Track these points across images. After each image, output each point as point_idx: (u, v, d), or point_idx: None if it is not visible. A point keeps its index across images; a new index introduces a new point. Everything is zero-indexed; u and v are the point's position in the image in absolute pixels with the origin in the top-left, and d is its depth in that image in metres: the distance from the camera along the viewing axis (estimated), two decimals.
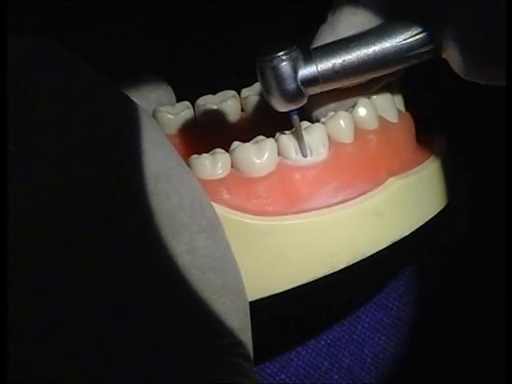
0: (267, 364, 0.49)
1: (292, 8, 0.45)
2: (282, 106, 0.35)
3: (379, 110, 0.37)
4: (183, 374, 0.28)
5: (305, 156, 0.35)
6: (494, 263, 0.40)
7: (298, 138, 0.35)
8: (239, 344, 0.31)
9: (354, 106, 0.37)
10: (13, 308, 0.27)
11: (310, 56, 0.34)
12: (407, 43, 0.34)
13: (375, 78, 0.36)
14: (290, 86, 0.34)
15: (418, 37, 0.34)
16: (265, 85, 0.34)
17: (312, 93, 0.35)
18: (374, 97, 0.38)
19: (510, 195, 0.30)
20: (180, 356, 0.28)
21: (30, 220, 0.28)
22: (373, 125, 0.37)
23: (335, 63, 0.34)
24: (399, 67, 0.35)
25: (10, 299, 0.27)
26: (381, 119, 0.37)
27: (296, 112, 0.35)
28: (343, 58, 0.34)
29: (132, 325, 0.28)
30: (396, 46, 0.34)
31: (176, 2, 0.46)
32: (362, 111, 0.36)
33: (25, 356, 0.27)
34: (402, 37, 0.34)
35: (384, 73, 0.35)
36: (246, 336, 0.31)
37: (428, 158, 0.39)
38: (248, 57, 0.34)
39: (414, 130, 0.40)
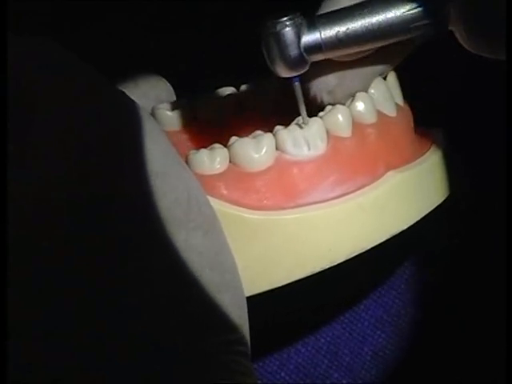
0: (267, 362, 0.48)
1: (291, 7, 0.45)
2: (284, 72, 0.35)
3: (377, 103, 0.37)
4: (183, 374, 0.28)
5: (305, 124, 0.35)
6: (494, 261, 0.41)
7: (299, 105, 0.35)
8: (238, 341, 0.31)
9: (352, 100, 0.37)
10: (13, 308, 0.27)
11: (313, 23, 0.34)
12: (413, 14, 0.34)
13: (384, 56, 0.36)
14: (293, 52, 0.34)
15: (423, 8, 0.34)
16: (268, 51, 0.34)
17: (315, 60, 0.35)
18: (372, 91, 0.38)
19: (510, 190, 0.30)
20: (180, 355, 0.28)
21: (30, 220, 0.28)
22: (371, 119, 0.37)
23: (339, 31, 0.34)
24: (404, 37, 0.35)
25: (10, 299, 0.27)
26: (379, 113, 0.37)
27: (298, 79, 0.35)
28: (347, 26, 0.34)
29: (132, 325, 0.28)
30: (401, 16, 0.34)
31: (175, 1, 0.46)
32: (359, 105, 0.36)
33: (25, 356, 0.27)
34: (408, 7, 0.34)
35: (388, 42, 0.35)
36: (244, 332, 0.31)
37: (427, 151, 0.39)
38: (247, 54, 0.34)
39: (412, 124, 0.40)
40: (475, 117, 0.46)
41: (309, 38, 0.34)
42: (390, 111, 0.38)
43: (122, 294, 0.28)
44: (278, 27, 0.34)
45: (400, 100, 0.40)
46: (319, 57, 0.35)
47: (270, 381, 0.48)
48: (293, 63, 0.34)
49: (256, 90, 0.41)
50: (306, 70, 0.35)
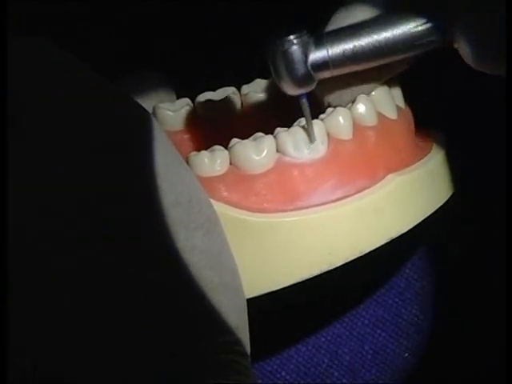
0: (267, 361, 0.49)
1: (290, 7, 0.45)
2: (291, 90, 0.35)
3: (378, 106, 0.37)
4: (183, 374, 0.28)
5: (312, 142, 0.35)
6: (494, 261, 0.40)
7: (307, 123, 0.35)
8: (237, 341, 0.31)
9: (352, 103, 0.37)
10: (13, 307, 0.27)
11: (321, 40, 0.34)
12: (418, 31, 0.34)
13: (387, 67, 0.36)
14: (300, 70, 0.34)
15: (429, 24, 0.34)
16: (275, 68, 0.34)
17: (322, 77, 0.35)
18: (373, 93, 0.37)
19: (509, 193, 0.30)
20: (179, 355, 0.29)
21: (30, 220, 0.28)
22: (372, 121, 0.36)
23: (346, 48, 0.34)
24: (410, 54, 0.35)
25: (11, 299, 0.27)
26: (380, 116, 0.37)
27: (305, 96, 0.35)
28: (354, 44, 0.34)
29: (132, 325, 0.28)
30: (407, 33, 0.34)
31: (176, 1, 0.46)
32: (360, 107, 0.36)
33: (26, 355, 0.27)
34: (414, 24, 0.34)
35: (394, 59, 0.35)
36: (243, 333, 0.32)
37: (427, 154, 0.39)
38: (248, 53, 0.34)
39: (413, 127, 0.40)
40: (476, 120, 0.45)
41: (316, 56, 0.34)
42: (391, 113, 0.38)
43: (123, 293, 0.28)
44: (286, 45, 0.33)
45: (401, 102, 0.40)
46: (326, 74, 0.35)
47: (270, 380, 0.48)
48: (300, 81, 0.34)
49: (257, 90, 0.41)
50: (313, 87, 0.35)
